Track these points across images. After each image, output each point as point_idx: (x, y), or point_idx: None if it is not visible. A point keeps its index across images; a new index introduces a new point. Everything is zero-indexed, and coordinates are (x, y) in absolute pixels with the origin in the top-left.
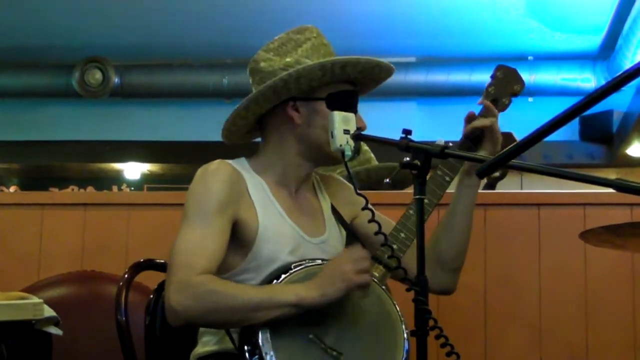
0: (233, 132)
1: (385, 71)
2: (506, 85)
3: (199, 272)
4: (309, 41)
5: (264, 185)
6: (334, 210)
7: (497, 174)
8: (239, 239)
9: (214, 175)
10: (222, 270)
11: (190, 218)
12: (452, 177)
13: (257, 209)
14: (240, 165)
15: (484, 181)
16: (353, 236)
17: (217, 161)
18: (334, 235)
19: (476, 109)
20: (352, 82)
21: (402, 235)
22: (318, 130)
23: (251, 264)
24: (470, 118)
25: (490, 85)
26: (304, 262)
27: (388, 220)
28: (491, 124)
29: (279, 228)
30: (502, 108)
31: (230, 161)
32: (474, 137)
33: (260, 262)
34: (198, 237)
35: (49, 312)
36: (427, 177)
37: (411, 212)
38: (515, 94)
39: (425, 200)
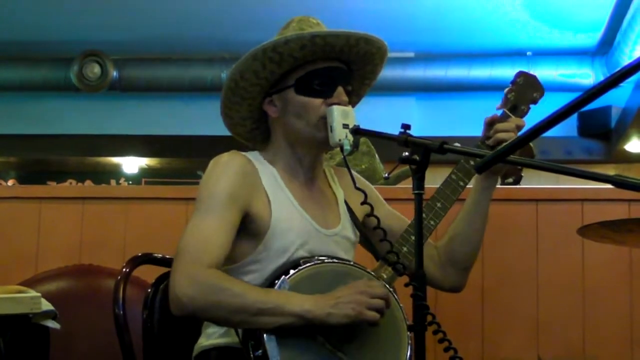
0: (241, 135)
1: (343, 39)
2: (526, 92)
3: (207, 265)
4: (288, 28)
5: (276, 175)
6: (347, 204)
7: (510, 179)
8: (251, 230)
9: (225, 167)
10: (231, 259)
11: (201, 209)
12: (466, 182)
13: (270, 199)
14: (253, 156)
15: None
16: (361, 231)
17: (229, 152)
18: (348, 226)
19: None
20: (339, 57)
21: (413, 238)
22: (292, 119)
23: (261, 255)
24: (492, 122)
25: (510, 91)
26: (313, 258)
27: (401, 216)
28: (513, 132)
29: (290, 219)
30: (521, 115)
31: (243, 153)
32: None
33: (271, 254)
34: (208, 230)
35: (46, 305)
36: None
37: (423, 215)
38: (535, 102)
39: (439, 205)
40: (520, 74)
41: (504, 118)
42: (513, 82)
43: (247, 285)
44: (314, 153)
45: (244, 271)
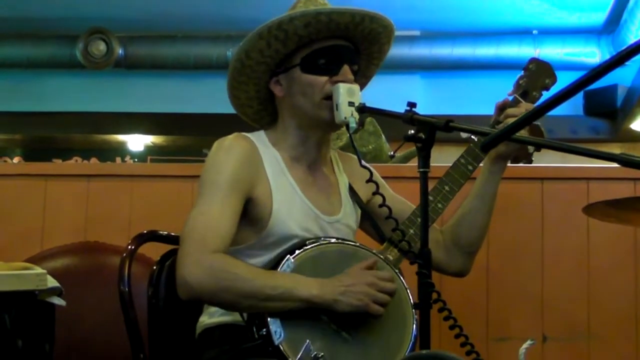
0: (248, 115)
1: (348, 16)
2: (537, 79)
3: (214, 250)
4: (295, 8)
5: (279, 160)
6: (351, 189)
7: (521, 163)
8: (253, 215)
9: (227, 152)
10: (235, 243)
11: (204, 195)
12: (475, 165)
13: (272, 185)
14: (258, 138)
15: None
16: (367, 217)
17: (232, 136)
18: (349, 214)
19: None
20: (345, 36)
21: (420, 220)
22: (298, 97)
23: (265, 240)
24: (503, 106)
25: (521, 77)
26: (318, 239)
27: (405, 201)
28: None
29: (292, 205)
30: (532, 101)
31: (247, 134)
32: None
33: (274, 240)
34: (212, 215)
35: (52, 282)
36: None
37: (431, 198)
38: (547, 88)
39: (446, 188)
40: (533, 60)
41: (514, 103)
42: (525, 69)
43: (255, 270)
44: (320, 134)
45: (249, 254)
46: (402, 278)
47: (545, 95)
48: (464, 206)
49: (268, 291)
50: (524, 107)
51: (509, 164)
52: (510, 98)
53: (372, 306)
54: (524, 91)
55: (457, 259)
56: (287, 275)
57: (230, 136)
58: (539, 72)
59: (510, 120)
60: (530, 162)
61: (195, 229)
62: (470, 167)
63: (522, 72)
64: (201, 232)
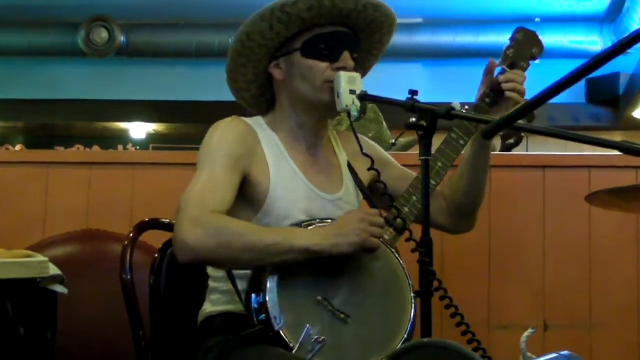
0: (246, 100)
1: (351, 3)
2: (525, 48)
3: (211, 210)
4: None
5: (278, 141)
6: (350, 167)
7: (512, 140)
8: (251, 195)
9: (225, 130)
10: None
11: (201, 168)
12: (466, 140)
13: (270, 165)
14: (255, 122)
15: (497, 145)
16: (364, 193)
17: (230, 118)
18: (351, 191)
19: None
20: (347, 23)
21: (414, 198)
22: (297, 81)
23: (263, 221)
24: (490, 69)
25: (509, 47)
26: (314, 221)
27: (411, 173)
28: (521, 85)
29: (291, 184)
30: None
31: (245, 118)
32: (493, 97)
33: (272, 220)
34: (209, 182)
35: (54, 270)
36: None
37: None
38: (534, 58)
39: (439, 164)
40: (520, 29)
41: (502, 75)
42: (512, 39)
43: (252, 225)
44: (318, 118)
45: None
46: (399, 257)
47: (546, 78)
48: (459, 176)
49: (267, 243)
50: (520, 75)
51: (502, 151)
52: (499, 69)
53: (371, 240)
54: (512, 62)
55: (461, 220)
56: (284, 229)
57: (228, 118)
58: (526, 42)
59: (512, 86)
60: (521, 139)
61: (190, 195)
62: (461, 142)
63: (509, 43)
64: (197, 196)
